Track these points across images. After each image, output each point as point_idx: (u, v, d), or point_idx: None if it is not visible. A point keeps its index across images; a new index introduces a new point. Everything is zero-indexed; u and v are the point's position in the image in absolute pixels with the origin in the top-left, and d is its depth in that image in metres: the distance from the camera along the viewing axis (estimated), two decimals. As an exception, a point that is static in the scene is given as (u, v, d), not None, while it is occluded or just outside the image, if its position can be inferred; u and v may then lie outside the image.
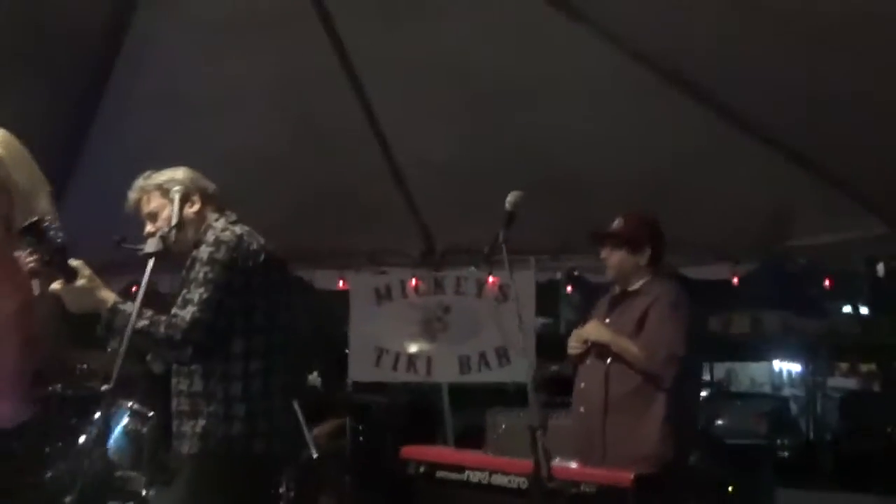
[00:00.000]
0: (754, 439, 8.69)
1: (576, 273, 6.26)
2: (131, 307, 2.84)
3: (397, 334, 6.65)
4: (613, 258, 4.09)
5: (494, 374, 6.46)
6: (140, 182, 3.22)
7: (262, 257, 3.04)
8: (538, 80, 4.90)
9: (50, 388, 4.29)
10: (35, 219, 2.68)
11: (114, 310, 2.85)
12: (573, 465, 3.71)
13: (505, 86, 5.00)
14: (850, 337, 16.59)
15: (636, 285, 4.05)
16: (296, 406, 4.60)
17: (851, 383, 18.07)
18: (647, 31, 4.30)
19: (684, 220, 4.83)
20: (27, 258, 2.80)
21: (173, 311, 2.94)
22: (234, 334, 2.97)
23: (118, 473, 4.46)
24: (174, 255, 3.08)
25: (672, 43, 4.33)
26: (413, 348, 6.64)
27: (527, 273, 6.20)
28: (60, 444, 4.30)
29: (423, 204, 6.18)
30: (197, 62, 5.06)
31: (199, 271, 2.95)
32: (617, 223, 4.12)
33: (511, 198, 3.32)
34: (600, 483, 3.48)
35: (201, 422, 2.96)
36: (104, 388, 2.28)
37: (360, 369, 6.73)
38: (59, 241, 2.71)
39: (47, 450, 4.18)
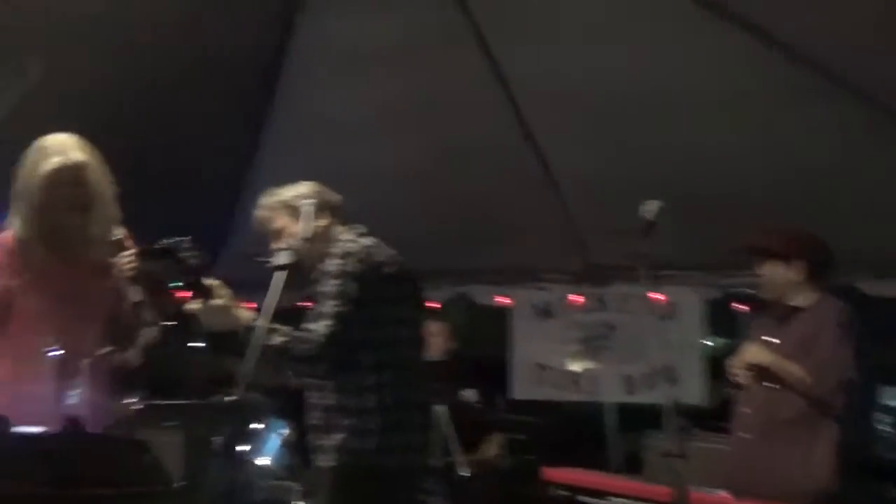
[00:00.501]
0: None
1: (749, 291, 5.84)
2: (266, 324, 2.84)
3: (560, 351, 6.49)
4: (764, 272, 3.84)
5: (661, 395, 6.15)
6: (266, 200, 3.22)
7: (391, 269, 2.99)
8: (695, 91, 4.69)
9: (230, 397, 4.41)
10: (172, 240, 2.75)
11: (250, 328, 2.85)
12: (723, 494, 3.37)
13: (658, 97, 4.79)
14: None
15: (798, 301, 3.75)
16: (447, 423, 4.56)
17: None
18: (803, 29, 3.99)
19: (861, 230, 4.42)
20: (125, 264, 2.84)
21: (306, 325, 2.92)
22: (366, 346, 2.92)
23: (272, 483, 4.50)
24: (303, 270, 3.05)
25: (830, 40, 3.99)
26: (577, 366, 6.47)
27: (693, 290, 5.89)
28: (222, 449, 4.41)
29: (581, 219, 5.99)
30: (348, 86, 5.13)
31: (330, 284, 2.92)
32: (765, 236, 3.88)
33: (649, 206, 3.07)
34: None
35: (336, 435, 2.93)
36: (229, 398, 2.28)
37: (522, 387, 6.60)
38: (193, 261, 2.76)
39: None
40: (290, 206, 3.14)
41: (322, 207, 3.13)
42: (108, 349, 3.05)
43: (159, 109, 4.92)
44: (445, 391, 4.75)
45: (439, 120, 5.29)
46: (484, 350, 7.31)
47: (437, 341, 5.69)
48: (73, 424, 2.51)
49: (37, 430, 2.59)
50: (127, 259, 2.85)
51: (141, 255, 2.86)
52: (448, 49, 4.88)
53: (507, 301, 6.68)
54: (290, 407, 4.17)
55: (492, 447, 5.48)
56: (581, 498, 3.70)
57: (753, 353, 3.74)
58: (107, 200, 3.02)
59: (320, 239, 3.10)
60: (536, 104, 5.19)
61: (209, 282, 2.86)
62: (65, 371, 2.93)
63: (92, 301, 3.05)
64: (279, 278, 2.84)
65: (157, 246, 2.83)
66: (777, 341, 3.73)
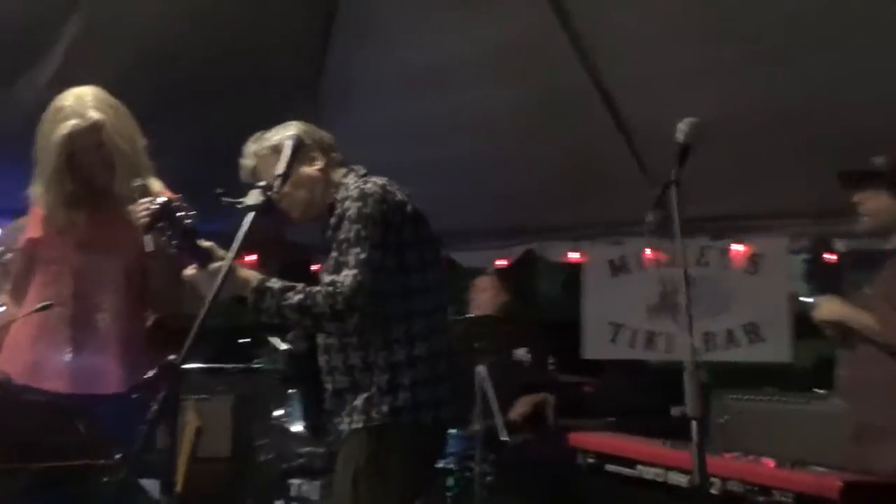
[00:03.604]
0: None
1: (838, 240, 5.48)
2: (277, 283, 2.60)
3: (635, 309, 6.23)
4: (870, 204, 3.35)
5: (742, 353, 5.88)
6: (252, 147, 2.91)
7: (410, 208, 2.74)
8: (778, 28, 4.34)
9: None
10: (164, 199, 2.51)
11: (260, 290, 2.59)
12: (770, 463, 3.01)
13: (755, 42, 4.46)
14: None
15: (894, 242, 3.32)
16: (487, 382, 4.30)
17: None
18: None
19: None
20: (139, 211, 2.61)
21: (328, 277, 2.65)
22: (395, 295, 2.68)
23: (307, 449, 4.38)
24: (281, 214, 2.76)
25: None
26: (652, 324, 6.19)
27: (779, 241, 5.58)
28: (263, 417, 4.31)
29: (661, 171, 5.68)
30: (425, 34, 4.89)
31: (350, 230, 2.66)
32: (880, 160, 3.34)
33: (684, 126, 2.49)
34: (799, 491, 2.76)
35: (363, 394, 2.70)
36: (172, 358, 2.05)
37: (595, 346, 6.36)
38: (187, 222, 2.50)
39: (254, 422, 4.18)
40: (281, 151, 2.77)
41: (312, 148, 2.82)
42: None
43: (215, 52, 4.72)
44: (492, 349, 4.47)
45: (517, 74, 5.03)
46: (558, 309, 7.11)
47: (485, 296, 5.45)
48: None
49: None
50: (141, 207, 2.60)
51: (150, 219, 2.55)
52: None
53: (578, 257, 6.43)
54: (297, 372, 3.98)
55: (517, 409, 5.19)
56: (610, 467, 3.45)
57: (825, 307, 3.37)
58: (130, 155, 2.92)
59: (318, 185, 2.84)
60: (614, 53, 4.89)
61: (204, 244, 2.58)
62: (79, 325, 2.93)
63: (110, 251, 2.98)
64: (247, 220, 2.42)
65: (153, 205, 2.53)
66: (869, 292, 3.37)
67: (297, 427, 4.51)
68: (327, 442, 2.85)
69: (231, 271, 2.46)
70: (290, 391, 4.53)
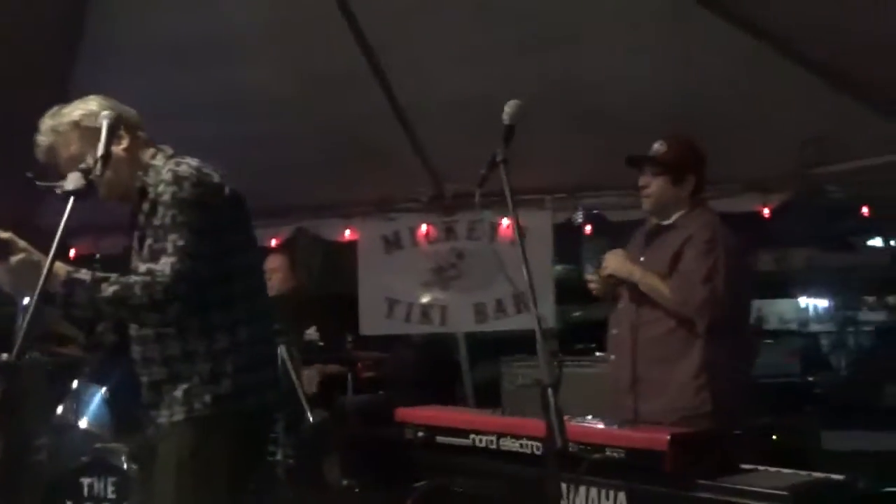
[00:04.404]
0: (788, 378, 8.32)
1: (595, 212, 5.83)
2: (87, 275, 2.47)
3: (409, 284, 6.34)
4: (653, 186, 3.61)
5: (513, 322, 6.12)
6: (50, 122, 2.72)
7: (227, 190, 2.67)
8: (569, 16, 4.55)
9: (26, 356, 4.03)
10: None
11: (70, 282, 2.46)
12: (598, 424, 3.18)
13: (530, 24, 4.64)
14: (878, 269, 16.08)
15: (672, 218, 3.60)
16: (289, 362, 4.28)
17: (881, 316, 17.62)
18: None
19: (712, 148, 4.45)
20: None
21: (143, 266, 2.56)
22: (214, 281, 2.61)
23: (97, 445, 4.19)
24: (101, 198, 2.63)
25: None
26: (426, 298, 6.34)
27: (543, 213, 5.86)
28: (40, 414, 4.05)
29: (430, 146, 5.80)
30: (192, 5, 4.67)
31: (165, 215, 2.57)
32: (658, 146, 3.62)
33: (509, 108, 2.65)
34: (630, 447, 2.93)
35: (182, 385, 2.62)
36: (4, 356, 1.94)
37: (371, 322, 6.39)
38: None
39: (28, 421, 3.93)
40: (84, 127, 2.67)
41: (119, 125, 2.65)
42: None
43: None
44: (286, 330, 4.47)
45: (287, 48, 4.96)
46: (336, 286, 7.11)
47: (277, 277, 5.41)
48: None
49: None
50: None
51: None
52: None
53: (353, 235, 6.45)
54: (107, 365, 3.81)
55: (312, 384, 5.21)
56: (442, 439, 3.49)
57: (613, 262, 3.63)
58: None
59: (124, 165, 2.70)
60: (382, 27, 4.90)
61: (2, 235, 2.44)
62: None
63: None
64: (69, 205, 2.34)
65: None
66: (643, 259, 3.62)
67: (84, 423, 4.26)
68: (142, 436, 2.72)
69: (34, 264, 2.35)
70: (77, 384, 4.26)
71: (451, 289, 6.27)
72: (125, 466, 3.97)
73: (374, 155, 5.67)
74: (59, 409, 4.28)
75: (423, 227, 6.28)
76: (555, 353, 2.55)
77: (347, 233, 6.41)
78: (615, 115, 4.97)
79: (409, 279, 6.33)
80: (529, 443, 3.17)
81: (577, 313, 8.28)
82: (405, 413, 3.66)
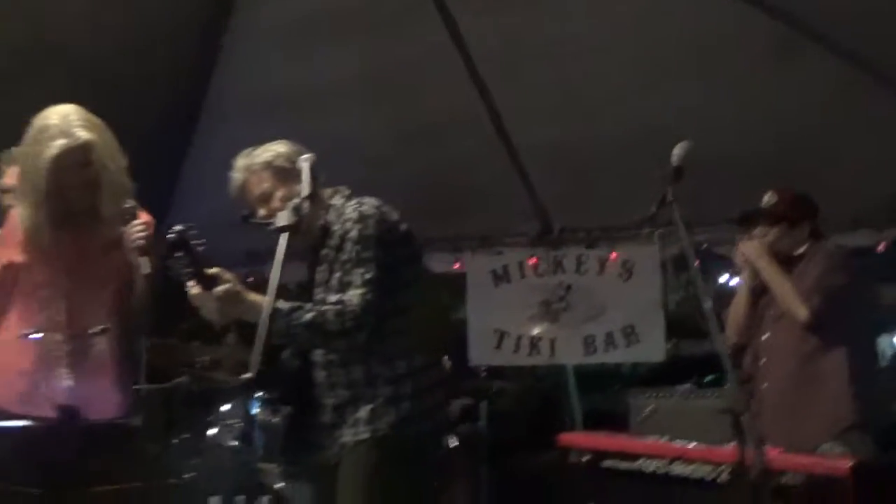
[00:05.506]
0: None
1: (704, 246, 5.89)
2: (286, 304, 2.72)
3: (517, 316, 6.44)
4: (770, 235, 3.87)
5: (622, 354, 6.20)
6: (244, 161, 3.02)
7: (403, 227, 2.93)
8: (654, 56, 4.72)
9: (175, 381, 4.28)
10: (180, 228, 2.61)
11: (275, 313, 2.66)
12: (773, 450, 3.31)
13: (625, 65, 4.81)
14: None
15: (799, 251, 3.86)
16: None
17: None
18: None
19: (817, 184, 4.48)
20: (134, 235, 2.71)
21: (334, 297, 2.80)
22: (396, 312, 2.86)
23: (251, 466, 4.39)
24: (303, 234, 2.86)
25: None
26: (535, 330, 6.42)
27: (650, 248, 5.92)
28: (188, 437, 4.26)
29: (539, 183, 5.95)
30: (296, 58, 4.98)
31: (352, 251, 2.83)
32: (769, 198, 3.88)
33: (678, 150, 2.76)
34: (809, 472, 2.97)
35: (367, 406, 2.85)
36: (245, 376, 2.18)
37: (480, 353, 6.53)
38: (200, 249, 2.63)
39: (174, 442, 4.14)
40: (275, 168, 2.97)
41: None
42: (106, 326, 2.92)
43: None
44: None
45: (395, 91, 5.19)
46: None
47: None
48: (67, 413, 2.39)
49: (24, 423, 2.49)
50: (137, 229, 2.72)
51: (168, 248, 2.68)
52: (405, 17, 4.78)
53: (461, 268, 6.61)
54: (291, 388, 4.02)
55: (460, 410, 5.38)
56: (608, 462, 3.59)
57: (748, 248, 3.87)
58: (115, 174, 2.90)
59: (313, 201, 2.93)
60: (494, 68, 5.10)
61: (212, 270, 2.71)
62: (69, 351, 2.89)
63: (101, 275, 2.96)
64: (283, 241, 2.62)
65: (170, 233, 2.65)
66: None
67: (236, 444, 4.47)
68: (312, 456, 2.94)
69: (237, 294, 2.65)
70: (230, 407, 4.48)
71: (559, 321, 6.37)
72: (278, 486, 4.16)
73: (482, 192, 5.85)
74: (212, 431, 4.50)
75: (531, 261, 6.41)
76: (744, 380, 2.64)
77: (457, 265, 6.59)
78: (720, 151, 5.02)
79: (518, 312, 6.44)
80: (702, 468, 3.25)
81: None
82: (569, 437, 3.82)
